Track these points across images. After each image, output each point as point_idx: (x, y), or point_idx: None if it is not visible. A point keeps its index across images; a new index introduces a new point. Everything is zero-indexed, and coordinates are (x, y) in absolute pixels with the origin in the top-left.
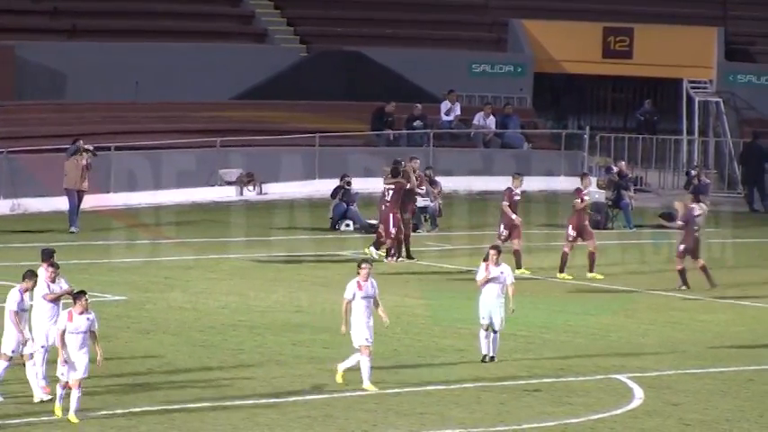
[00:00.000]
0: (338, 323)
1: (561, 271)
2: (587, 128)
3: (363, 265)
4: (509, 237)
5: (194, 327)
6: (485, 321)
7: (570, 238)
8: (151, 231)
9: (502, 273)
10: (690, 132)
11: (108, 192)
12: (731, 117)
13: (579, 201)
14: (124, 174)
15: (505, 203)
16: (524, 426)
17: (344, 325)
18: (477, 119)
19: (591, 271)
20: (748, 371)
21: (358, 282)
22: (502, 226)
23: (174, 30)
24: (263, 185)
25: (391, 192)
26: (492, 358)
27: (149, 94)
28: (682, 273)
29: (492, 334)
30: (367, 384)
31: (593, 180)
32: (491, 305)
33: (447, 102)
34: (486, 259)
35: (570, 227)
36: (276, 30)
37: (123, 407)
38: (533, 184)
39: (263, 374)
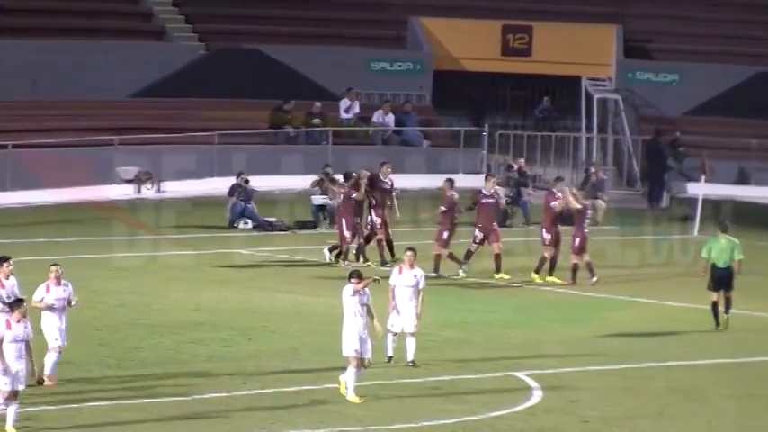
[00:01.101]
0: (236, 321)
1: (550, 273)
2: (486, 125)
3: (352, 280)
4: (484, 240)
5: (92, 325)
6: (395, 329)
7: (547, 242)
8: (48, 230)
9: (415, 276)
10: (588, 130)
11: (5, 190)
12: (630, 114)
13: (557, 204)
14: (22, 172)
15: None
16: (423, 423)
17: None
18: (377, 117)
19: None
20: (648, 368)
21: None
22: (476, 229)
23: (73, 27)
24: (162, 183)
25: (341, 198)
26: (413, 363)
27: (48, 93)
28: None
29: (408, 338)
30: (351, 396)
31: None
32: (404, 309)
33: (346, 99)
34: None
35: (545, 230)
36: (175, 27)
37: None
38: (433, 181)
39: (161, 373)
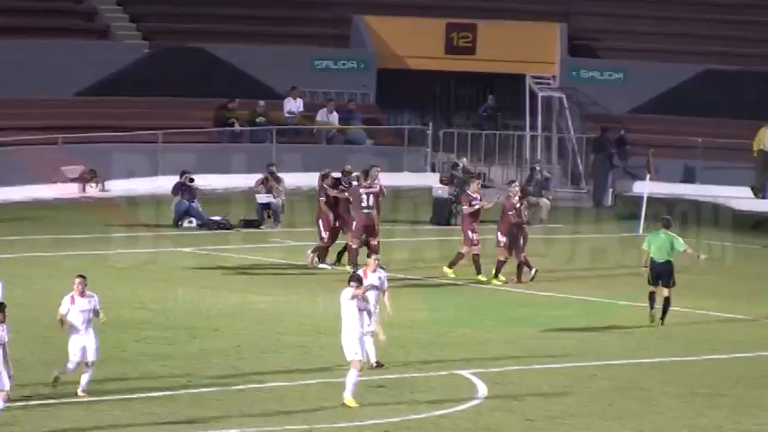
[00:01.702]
0: (181, 320)
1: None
2: (430, 124)
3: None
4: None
5: (37, 324)
6: (371, 328)
7: (502, 245)
8: None
9: (380, 278)
10: (533, 128)
11: None
12: (574, 112)
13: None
14: None
15: (465, 208)
16: (368, 422)
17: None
18: (321, 115)
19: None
20: (592, 366)
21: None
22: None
23: (17, 26)
24: (106, 182)
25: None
26: (380, 364)
27: None
28: (500, 264)
29: (368, 338)
30: (348, 398)
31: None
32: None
33: (290, 98)
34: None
35: (500, 233)
36: (119, 26)
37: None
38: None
39: (106, 371)
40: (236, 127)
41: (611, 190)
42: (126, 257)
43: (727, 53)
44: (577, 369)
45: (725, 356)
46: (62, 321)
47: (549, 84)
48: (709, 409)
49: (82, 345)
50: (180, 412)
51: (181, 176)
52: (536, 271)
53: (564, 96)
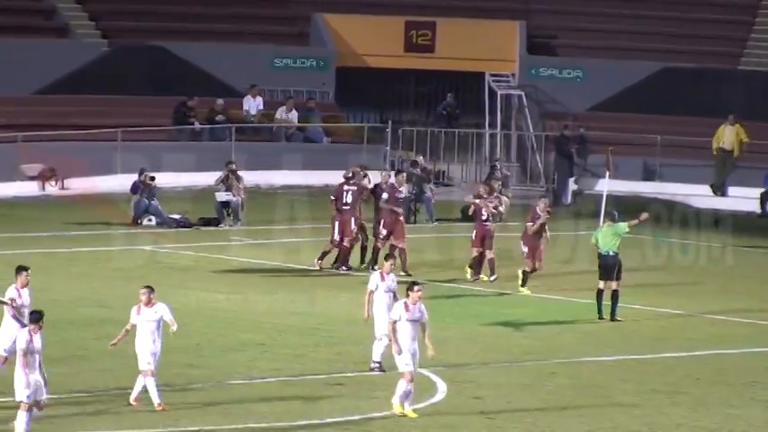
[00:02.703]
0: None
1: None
2: (389, 122)
3: (416, 288)
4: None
5: None
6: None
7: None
8: None
9: (393, 281)
10: (492, 126)
11: None
12: (533, 110)
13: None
14: None
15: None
16: (327, 420)
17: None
18: (280, 113)
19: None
20: (551, 364)
21: (405, 303)
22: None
23: None
24: (65, 180)
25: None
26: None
27: None
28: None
29: (385, 341)
30: (396, 403)
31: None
32: (384, 314)
33: (249, 96)
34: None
35: (474, 234)
36: (78, 24)
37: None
38: (335, 178)
39: (66, 370)
40: (196, 125)
41: (570, 188)
42: (85, 255)
43: (686, 51)
44: (537, 367)
45: (684, 354)
46: (127, 331)
47: (508, 82)
48: (668, 407)
49: (150, 353)
50: (140, 410)
51: (140, 175)
52: (495, 278)
53: (523, 94)
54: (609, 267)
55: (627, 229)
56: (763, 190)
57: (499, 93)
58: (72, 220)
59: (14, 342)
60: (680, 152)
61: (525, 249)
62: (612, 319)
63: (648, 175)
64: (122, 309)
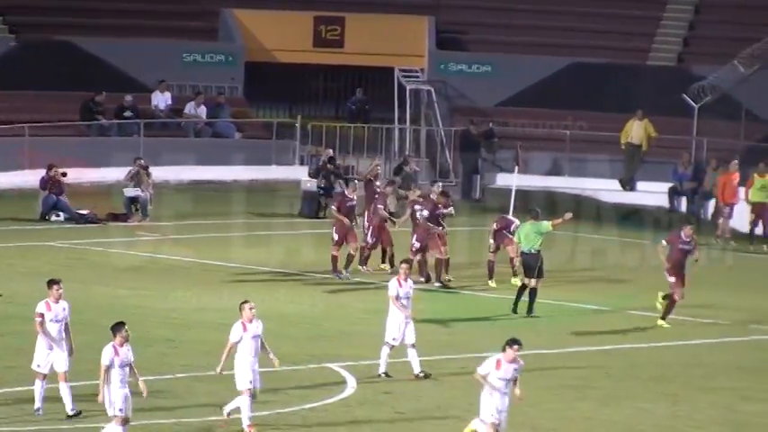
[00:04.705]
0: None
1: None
2: (299, 117)
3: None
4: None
5: None
6: (396, 342)
7: (414, 248)
8: None
9: (411, 288)
10: (401, 121)
11: None
12: (443, 105)
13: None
14: None
15: (333, 208)
16: (237, 416)
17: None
18: (189, 108)
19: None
20: (461, 359)
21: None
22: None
23: None
24: None
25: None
26: (426, 375)
27: None
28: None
29: (411, 350)
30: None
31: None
32: (402, 322)
33: (158, 91)
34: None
35: (415, 236)
36: None
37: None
38: (244, 173)
39: None
40: (104, 120)
41: (478, 183)
42: None
43: (595, 46)
44: (447, 361)
45: (593, 348)
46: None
47: (417, 77)
48: (577, 401)
49: (251, 370)
50: (48, 408)
51: (49, 170)
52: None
53: (432, 89)
54: (529, 265)
55: (550, 228)
56: (671, 185)
57: (408, 88)
58: None
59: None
60: (589, 147)
61: (672, 279)
62: (529, 314)
63: (557, 170)
64: (28, 305)
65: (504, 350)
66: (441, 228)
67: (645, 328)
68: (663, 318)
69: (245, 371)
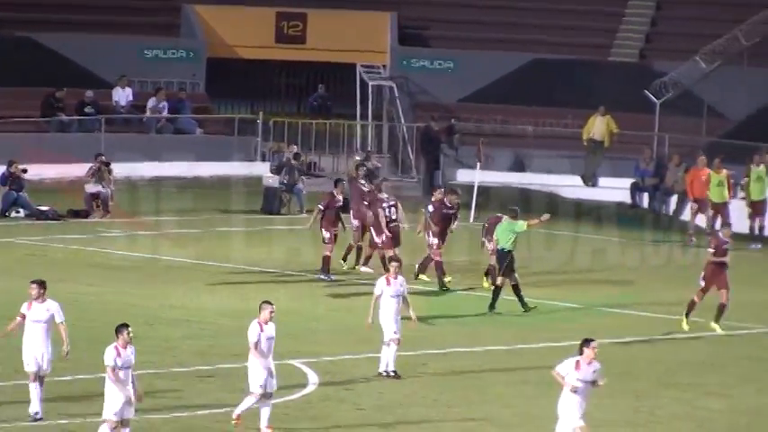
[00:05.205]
0: (5, 310)
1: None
2: (260, 113)
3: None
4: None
5: None
6: (396, 335)
7: (434, 246)
8: None
9: (401, 285)
10: (363, 117)
11: None
12: (405, 101)
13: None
14: None
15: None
16: (199, 413)
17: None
18: (150, 104)
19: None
20: (423, 355)
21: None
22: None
23: None
24: None
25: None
26: (396, 373)
27: None
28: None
29: (393, 345)
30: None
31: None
32: (395, 319)
33: (119, 87)
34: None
35: (380, 235)
36: None
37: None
38: (206, 169)
39: None
40: (64, 117)
41: (440, 179)
42: None
43: (557, 42)
44: (409, 358)
45: (557, 345)
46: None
47: (379, 73)
48: (540, 398)
49: (266, 369)
50: (4, 405)
51: (9, 166)
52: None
53: (394, 85)
54: (502, 262)
55: (524, 228)
56: (633, 181)
57: (370, 84)
58: None
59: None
60: (551, 143)
61: (702, 282)
62: (490, 309)
63: (519, 166)
64: None
65: (581, 351)
66: (441, 227)
67: (609, 325)
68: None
69: (258, 372)
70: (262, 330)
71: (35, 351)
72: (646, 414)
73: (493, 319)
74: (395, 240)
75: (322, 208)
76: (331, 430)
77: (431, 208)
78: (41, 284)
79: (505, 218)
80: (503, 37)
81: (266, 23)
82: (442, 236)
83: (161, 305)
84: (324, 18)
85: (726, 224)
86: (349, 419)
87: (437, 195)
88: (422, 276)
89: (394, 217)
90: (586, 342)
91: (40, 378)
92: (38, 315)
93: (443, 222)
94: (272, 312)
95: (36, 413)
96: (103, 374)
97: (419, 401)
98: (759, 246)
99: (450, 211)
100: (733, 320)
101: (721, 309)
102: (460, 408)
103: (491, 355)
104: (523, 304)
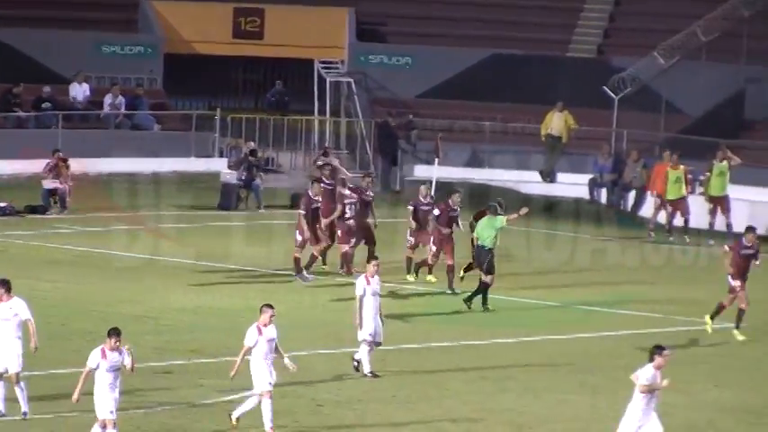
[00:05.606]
0: None
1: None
2: (218, 109)
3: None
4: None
5: None
6: (372, 338)
7: (432, 252)
8: None
9: (378, 284)
10: (321, 113)
11: None
12: (363, 97)
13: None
14: None
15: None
16: (158, 409)
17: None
18: (108, 100)
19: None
20: (381, 351)
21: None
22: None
23: None
24: None
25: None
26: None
27: None
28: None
29: (365, 347)
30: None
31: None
32: (375, 319)
33: (76, 83)
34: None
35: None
36: None
37: None
38: (164, 165)
39: None
40: (21, 112)
41: (398, 174)
42: None
43: (515, 38)
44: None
45: (512, 340)
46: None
47: (337, 69)
48: (497, 393)
49: (268, 371)
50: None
51: None
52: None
53: (352, 81)
54: (479, 260)
55: (504, 224)
56: (591, 176)
57: (328, 80)
58: None
59: None
60: (509, 138)
61: (736, 284)
62: (466, 303)
63: (477, 162)
64: None
65: (652, 359)
66: (449, 230)
67: (566, 321)
68: (712, 317)
69: (262, 372)
70: (260, 334)
71: (2, 350)
72: (604, 409)
73: (447, 316)
74: (353, 235)
75: (304, 212)
76: (290, 426)
77: (436, 211)
78: (5, 283)
79: (488, 216)
80: (460, 32)
81: (224, 19)
82: (449, 239)
83: (118, 301)
84: (281, 14)
85: (750, 228)
86: (307, 415)
87: (423, 191)
88: (429, 278)
89: (352, 214)
90: (658, 350)
91: (16, 375)
92: (3, 314)
93: (449, 226)
94: (272, 316)
95: (24, 413)
96: (59, 370)
97: (376, 398)
98: (712, 242)
99: (455, 213)
100: (695, 316)
101: (740, 314)
102: (419, 404)
103: (448, 351)
104: (469, 299)
